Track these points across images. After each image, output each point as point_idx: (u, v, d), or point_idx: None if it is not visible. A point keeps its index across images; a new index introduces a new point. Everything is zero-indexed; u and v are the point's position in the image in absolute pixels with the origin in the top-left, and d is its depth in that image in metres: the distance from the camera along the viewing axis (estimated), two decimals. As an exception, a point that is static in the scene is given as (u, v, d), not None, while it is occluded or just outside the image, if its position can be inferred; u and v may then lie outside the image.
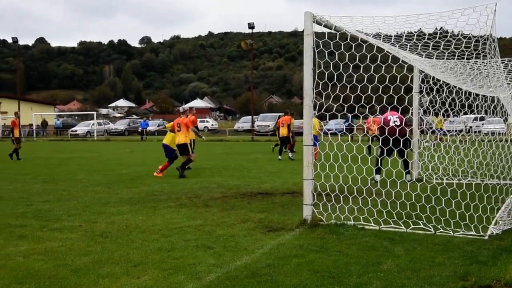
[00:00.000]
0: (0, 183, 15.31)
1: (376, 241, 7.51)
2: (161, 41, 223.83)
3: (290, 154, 23.07)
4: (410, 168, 14.08)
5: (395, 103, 8.81)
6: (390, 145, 10.42)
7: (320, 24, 8.60)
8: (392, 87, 8.56)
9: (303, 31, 8.67)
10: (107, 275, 6.10)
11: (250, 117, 59.84)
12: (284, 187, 13.60)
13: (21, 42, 78.99)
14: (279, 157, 23.01)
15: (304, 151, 8.75)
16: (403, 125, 13.53)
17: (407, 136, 10.71)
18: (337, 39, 8.77)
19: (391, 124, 13.61)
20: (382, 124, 14.03)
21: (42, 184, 15.16)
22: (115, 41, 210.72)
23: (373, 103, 8.98)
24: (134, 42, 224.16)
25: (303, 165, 8.80)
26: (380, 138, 13.73)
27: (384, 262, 6.44)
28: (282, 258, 6.69)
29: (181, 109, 17.69)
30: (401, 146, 12.44)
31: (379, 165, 13.84)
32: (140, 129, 54.28)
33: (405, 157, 14.19)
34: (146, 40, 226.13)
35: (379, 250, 7.07)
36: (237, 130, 61.32)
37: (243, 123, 63.45)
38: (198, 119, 76.29)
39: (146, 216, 9.77)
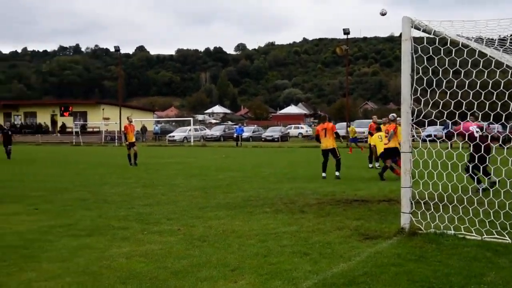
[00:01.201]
0: (104, 187, 15.93)
1: (478, 252, 7.25)
2: (256, 48, 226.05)
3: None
4: (491, 174, 13.41)
5: (498, 110, 8.48)
6: (482, 152, 10.10)
7: (419, 29, 8.42)
8: (495, 93, 8.24)
9: (400, 36, 8.53)
10: (205, 278, 6.23)
11: (345, 123, 59.35)
12: (381, 194, 13.40)
13: (123, 50, 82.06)
14: (370, 165, 22.35)
15: (402, 158, 8.60)
16: (483, 132, 13.24)
17: (489, 142, 10.28)
18: (436, 44, 8.57)
19: (473, 131, 13.20)
20: (463, 131, 13.47)
21: (143, 188, 15.66)
22: (211, 48, 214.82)
23: (475, 109, 8.69)
24: (230, 49, 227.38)
25: (401, 172, 8.64)
26: (472, 145, 13.23)
27: (488, 274, 6.21)
28: (380, 267, 6.59)
29: (391, 116, 17.71)
30: (483, 152, 11.94)
31: (480, 173, 13.31)
32: (235, 135, 55.00)
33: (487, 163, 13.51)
34: (241, 47, 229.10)
35: (482, 261, 6.82)
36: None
37: (338, 129, 62.93)
38: (292, 125, 76.69)
39: (243, 221, 9.89)
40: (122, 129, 24.59)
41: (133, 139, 25.53)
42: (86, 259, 7.19)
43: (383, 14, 11.51)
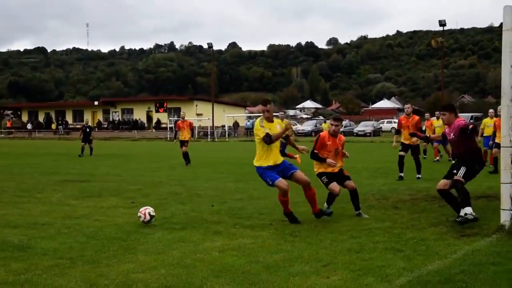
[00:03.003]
0: (196, 182, 16.23)
1: None
2: (348, 42, 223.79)
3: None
4: None
5: None
6: None
7: (521, 18, 8.04)
8: None
9: (500, 27, 8.18)
10: (297, 273, 6.22)
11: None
12: (478, 191, 12.90)
13: (215, 47, 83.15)
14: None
15: (502, 153, 8.26)
16: None
17: None
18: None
19: None
20: None
21: (235, 183, 15.83)
22: (303, 43, 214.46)
23: None
24: (321, 44, 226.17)
25: (501, 168, 8.31)
26: None
27: None
28: (478, 265, 6.36)
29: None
30: None
31: None
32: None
33: None
34: (333, 41, 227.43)
35: None
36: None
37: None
38: (385, 120, 75.36)
39: (334, 217, 9.81)
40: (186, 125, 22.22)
41: (187, 137, 23.36)
42: (181, 252, 7.35)
43: None
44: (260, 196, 12.75)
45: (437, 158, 23.33)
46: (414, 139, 15.18)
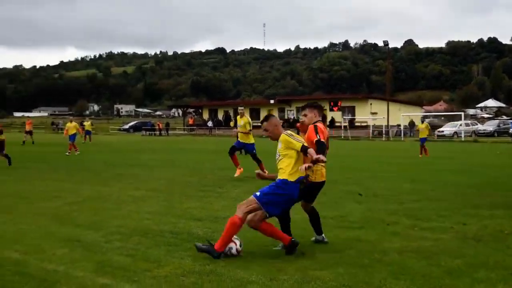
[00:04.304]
0: (372, 181, 16.04)
1: None
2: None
3: None
4: None
5: None
6: None
7: None
8: None
9: None
10: (482, 280, 5.91)
11: None
12: None
13: (391, 45, 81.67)
14: None
15: None
16: None
17: None
18: None
19: None
20: None
21: (411, 183, 15.42)
22: (485, 39, 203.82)
23: None
24: (506, 39, 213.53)
25: None
26: None
27: None
28: None
29: None
30: None
31: None
32: (511, 130, 51.51)
33: None
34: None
35: None
36: None
37: None
38: None
39: (522, 222, 9.20)
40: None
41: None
42: (358, 251, 7.29)
43: None
44: (438, 198, 12.31)
45: None
46: None
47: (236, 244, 7.02)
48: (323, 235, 7.76)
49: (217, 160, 23.61)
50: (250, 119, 17.51)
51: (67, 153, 27.44)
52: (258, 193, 7.02)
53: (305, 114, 7.91)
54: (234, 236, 7.00)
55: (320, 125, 7.62)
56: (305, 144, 7.00)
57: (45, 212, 10.50)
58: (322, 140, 7.31)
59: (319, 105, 7.99)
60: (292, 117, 73.23)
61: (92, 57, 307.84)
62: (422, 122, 30.50)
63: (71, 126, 29.24)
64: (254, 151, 17.07)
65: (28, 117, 62.55)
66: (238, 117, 17.62)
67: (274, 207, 7.00)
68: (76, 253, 7.24)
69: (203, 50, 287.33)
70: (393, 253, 7.13)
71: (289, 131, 7.31)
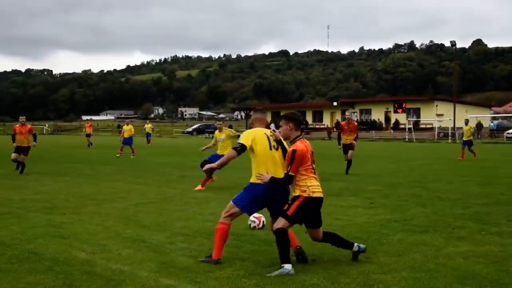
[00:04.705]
0: (437, 184, 15.73)
1: None
2: None
3: None
4: None
5: None
6: None
7: None
8: None
9: None
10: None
11: None
12: None
13: (458, 45, 80.00)
14: None
15: None
16: None
17: None
18: None
19: None
20: None
21: (479, 186, 15.05)
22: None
23: None
24: None
25: None
26: None
27: None
28: None
29: None
30: None
31: None
32: None
33: None
34: None
35: None
36: None
37: None
38: None
39: None
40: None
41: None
42: (422, 255, 7.15)
43: None
44: (508, 202, 11.96)
45: None
46: None
47: (255, 222, 7.27)
48: (355, 244, 6.91)
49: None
50: (231, 130, 16.85)
51: (131, 156, 27.92)
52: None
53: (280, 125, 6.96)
54: (256, 215, 7.25)
55: (299, 146, 6.60)
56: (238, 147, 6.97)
57: (112, 212, 10.74)
58: (291, 174, 6.56)
59: (296, 117, 6.89)
60: (355, 119, 72.53)
61: (158, 61, 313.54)
62: (466, 124, 28.63)
63: (127, 129, 29.66)
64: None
65: (88, 120, 63.92)
66: (217, 132, 16.13)
67: (243, 203, 6.94)
68: (141, 253, 7.38)
69: (267, 53, 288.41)
70: (459, 258, 6.96)
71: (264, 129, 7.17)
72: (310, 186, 6.59)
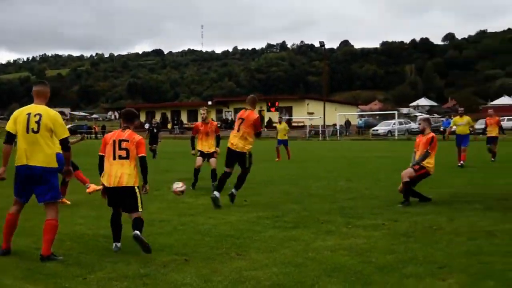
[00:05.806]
0: (307, 181, 16.21)
1: None
2: (466, 37, 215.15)
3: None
4: None
5: None
6: None
7: None
8: None
9: None
10: (411, 274, 6.07)
11: None
12: None
13: (327, 46, 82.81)
14: None
15: None
16: None
17: None
18: None
19: None
20: None
21: (346, 182, 15.67)
22: (417, 39, 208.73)
23: None
24: (437, 40, 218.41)
25: None
26: None
27: None
28: None
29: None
30: None
31: None
32: (442, 128, 53.01)
33: None
34: (449, 37, 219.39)
35: None
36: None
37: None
38: (505, 118, 72.01)
39: (450, 218, 9.46)
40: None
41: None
42: (292, 250, 7.36)
43: None
44: (372, 196, 12.55)
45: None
46: None
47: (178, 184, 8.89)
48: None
49: (155, 162, 23.39)
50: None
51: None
52: None
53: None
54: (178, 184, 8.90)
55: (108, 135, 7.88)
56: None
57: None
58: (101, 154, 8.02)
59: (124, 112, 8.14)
60: (230, 118, 73.22)
61: (25, 60, 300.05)
62: (280, 122, 27.32)
63: None
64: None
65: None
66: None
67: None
68: (4, 259, 7.04)
69: (140, 52, 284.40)
70: (327, 251, 7.22)
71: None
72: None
